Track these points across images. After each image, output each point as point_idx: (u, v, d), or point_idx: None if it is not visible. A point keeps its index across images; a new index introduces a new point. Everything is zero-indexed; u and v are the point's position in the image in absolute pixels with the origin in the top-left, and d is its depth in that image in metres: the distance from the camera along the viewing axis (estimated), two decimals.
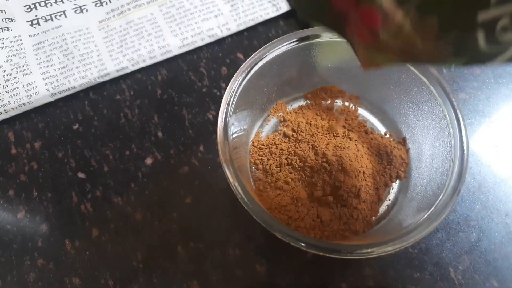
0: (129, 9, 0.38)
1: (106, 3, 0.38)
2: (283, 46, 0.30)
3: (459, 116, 0.28)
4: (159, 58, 0.37)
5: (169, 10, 0.38)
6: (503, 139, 0.35)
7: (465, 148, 0.27)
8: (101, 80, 0.36)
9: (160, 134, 0.35)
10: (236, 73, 0.29)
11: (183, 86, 0.37)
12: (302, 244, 0.24)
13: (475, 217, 0.32)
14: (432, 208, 0.26)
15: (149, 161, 0.34)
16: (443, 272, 0.31)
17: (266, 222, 0.25)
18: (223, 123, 0.27)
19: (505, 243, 0.32)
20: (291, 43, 0.30)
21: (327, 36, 0.30)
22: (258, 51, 0.30)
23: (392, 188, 0.32)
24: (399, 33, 0.15)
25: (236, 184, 0.26)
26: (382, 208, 0.31)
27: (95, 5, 0.38)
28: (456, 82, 0.37)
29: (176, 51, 0.37)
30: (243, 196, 0.26)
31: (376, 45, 0.17)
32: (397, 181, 0.32)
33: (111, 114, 0.35)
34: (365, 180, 0.31)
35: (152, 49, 0.36)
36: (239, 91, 0.29)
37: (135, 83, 0.37)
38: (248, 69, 0.29)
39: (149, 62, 0.36)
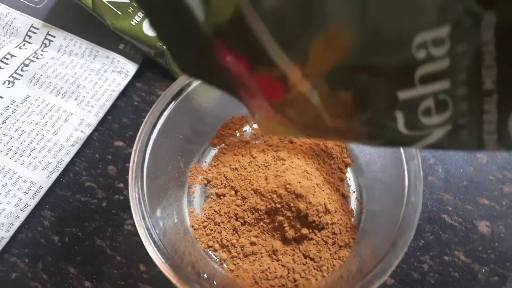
0: None
1: None
2: (160, 117, 0.25)
3: None
4: (33, 203, 0.29)
5: (10, 146, 0.30)
6: None
7: None
8: None
9: (87, 283, 0.28)
10: (130, 173, 0.24)
11: (78, 215, 0.30)
12: None
13: (430, 154, 0.31)
14: (406, 181, 0.23)
15: None
16: (440, 223, 0.29)
17: None
18: (152, 244, 0.22)
19: (467, 160, 0.31)
20: (168, 106, 0.25)
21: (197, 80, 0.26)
22: (138, 136, 0.24)
23: (349, 179, 0.29)
24: (306, 108, 0.12)
25: None
26: (353, 204, 0.29)
27: None
28: None
29: (46, 184, 0.30)
30: None
31: (276, 119, 0.13)
32: (348, 168, 0.30)
33: None
34: (323, 190, 0.27)
35: (18, 199, 0.29)
36: (145, 188, 0.24)
37: (23, 246, 0.29)
38: (140, 165, 0.24)
39: (24, 215, 0.29)
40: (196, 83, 0.26)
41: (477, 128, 0.11)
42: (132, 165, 0.23)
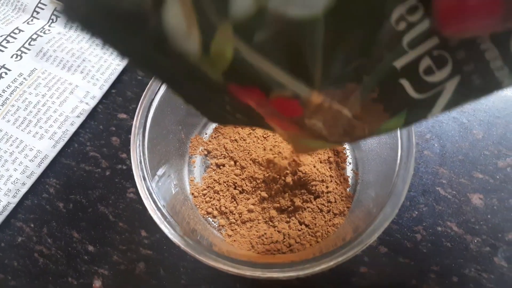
0: None
1: None
2: (162, 86, 0.26)
3: None
4: (39, 171, 0.30)
5: (18, 116, 0.31)
6: None
7: None
8: None
9: (91, 247, 0.29)
10: (132, 139, 0.24)
11: (82, 183, 0.31)
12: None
13: (426, 129, 0.32)
14: (399, 148, 0.24)
15: (97, 283, 0.28)
16: (434, 195, 0.30)
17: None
18: (152, 203, 0.23)
19: (463, 135, 0.32)
20: None
21: None
22: (141, 101, 0.25)
23: (345, 152, 0.30)
24: (326, 114, 0.14)
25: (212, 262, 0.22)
26: (350, 175, 0.29)
27: None
28: None
29: (52, 153, 0.31)
30: (230, 268, 0.21)
31: (305, 134, 0.15)
32: None
33: (24, 262, 0.29)
34: (320, 161, 0.28)
35: (24, 166, 0.30)
36: (146, 156, 0.24)
37: (29, 212, 0.30)
38: (141, 130, 0.25)
39: (30, 182, 0.30)
40: None
41: (485, 69, 0.12)
42: (134, 129, 0.24)
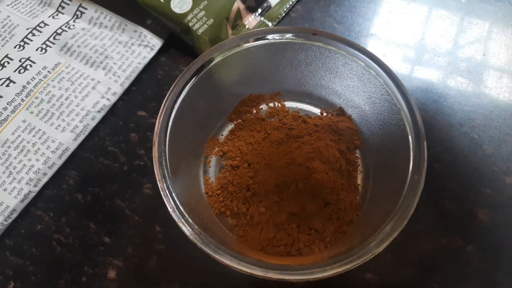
0: None
1: None
2: (184, 88, 0.27)
3: (381, 63, 0.27)
4: (60, 162, 0.31)
5: (41, 108, 0.32)
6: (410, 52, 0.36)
7: (403, 88, 0.26)
8: (10, 221, 0.30)
9: (106, 239, 0.30)
10: (154, 139, 0.25)
11: (101, 176, 0.32)
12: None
13: (437, 143, 0.32)
14: (411, 162, 0.25)
15: (112, 274, 0.29)
16: (440, 208, 0.30)
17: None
18: (176, 211, 0.24)
19: (473, 150, 0.32)
20: (190, 80, 0.27)
21: (220, 56, 0.28)
22: (163, 103, 0.26)
23: (357, 159, 0.31)
24: None
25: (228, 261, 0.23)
26: (360, 183, 0.30)
27: None
28: (353, 31, 0.37)
29: (73, 146, 0.32)
30: (243, 268, 0.22)
31: None
32: (357, 150, 0.31)
33: (42, 249, 0.30)
34: (332, 168, 0.29)
35: (46, 157, 0.31)
36: (167, 157, 0.25)
37: (49, 201, 0.31)
38: (164, 129, 0.26)
39: (51, 172, 0.31)
40: (217, 60, 0.28)
41: None
42: (156, 129, 0.25)
